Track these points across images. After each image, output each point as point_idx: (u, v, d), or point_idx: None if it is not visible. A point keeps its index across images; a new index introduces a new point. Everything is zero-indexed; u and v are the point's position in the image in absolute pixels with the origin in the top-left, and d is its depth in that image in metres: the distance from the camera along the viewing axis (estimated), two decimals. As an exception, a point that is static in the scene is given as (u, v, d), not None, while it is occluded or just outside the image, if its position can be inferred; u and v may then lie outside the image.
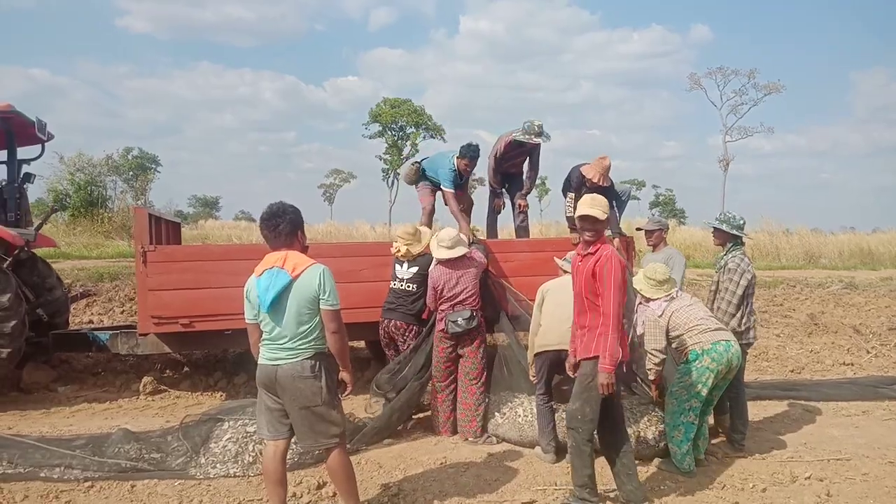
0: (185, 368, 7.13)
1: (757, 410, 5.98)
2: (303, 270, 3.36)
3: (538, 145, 6.65)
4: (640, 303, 4.88)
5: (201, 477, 4.31)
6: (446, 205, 6.61)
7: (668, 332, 4.54)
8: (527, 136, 6.45)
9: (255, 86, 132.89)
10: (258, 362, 3.48)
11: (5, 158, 6.69)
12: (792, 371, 8.19)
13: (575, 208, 6.53)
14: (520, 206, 7.07)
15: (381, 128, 55.23)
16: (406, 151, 56.49)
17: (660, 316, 4.56)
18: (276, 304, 3.34)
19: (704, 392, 4.38)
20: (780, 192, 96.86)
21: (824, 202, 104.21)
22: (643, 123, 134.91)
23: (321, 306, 3.39)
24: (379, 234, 24.47)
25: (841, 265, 19.74)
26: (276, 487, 3.53)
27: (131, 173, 51.22)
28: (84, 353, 6.96)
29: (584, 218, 3.79)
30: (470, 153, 6.37)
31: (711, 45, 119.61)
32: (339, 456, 3.50)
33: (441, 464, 4.63)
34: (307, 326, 3.38)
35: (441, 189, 6.60)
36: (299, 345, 3.38)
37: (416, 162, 6.97)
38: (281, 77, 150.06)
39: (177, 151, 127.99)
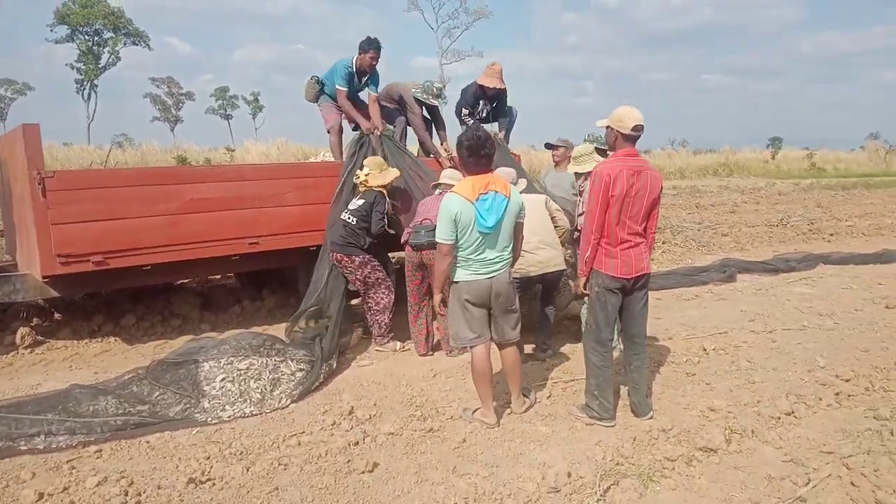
0: (57, 315, 6.08)
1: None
2: (510, 191, 3.67)
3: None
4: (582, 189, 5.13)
5: (214, 422, 4.00)
6: (342, 110, 6.33)
7: None
8: (425, 96, 6.64)
9: None
10: (464, 279, 3.72)
11: None
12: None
13: (468, 123, 6.71)
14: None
15: (70, 31, 47.40)
16: (105, 59, 49.77)
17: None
18: (496, 224, 3.60)
19: None
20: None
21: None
22: (348, 41, 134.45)
23: (518, 220, 3.77)
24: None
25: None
26: (488, 382, 3.91)
27: None
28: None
29: (640, 127, 3.64)
30: (373, 46, 6.10)
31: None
32: (516, 350, 4.06)
33: (434, 374, 4.87)
34: (511, 240, 3.78)
35: (336, 90, 6.23)
36: (505, 258, 3.77)
37: (315, 76, 6.51)
38: None
39: None
